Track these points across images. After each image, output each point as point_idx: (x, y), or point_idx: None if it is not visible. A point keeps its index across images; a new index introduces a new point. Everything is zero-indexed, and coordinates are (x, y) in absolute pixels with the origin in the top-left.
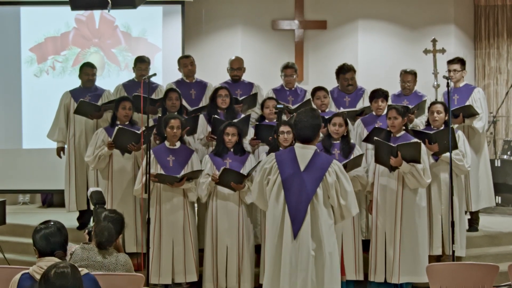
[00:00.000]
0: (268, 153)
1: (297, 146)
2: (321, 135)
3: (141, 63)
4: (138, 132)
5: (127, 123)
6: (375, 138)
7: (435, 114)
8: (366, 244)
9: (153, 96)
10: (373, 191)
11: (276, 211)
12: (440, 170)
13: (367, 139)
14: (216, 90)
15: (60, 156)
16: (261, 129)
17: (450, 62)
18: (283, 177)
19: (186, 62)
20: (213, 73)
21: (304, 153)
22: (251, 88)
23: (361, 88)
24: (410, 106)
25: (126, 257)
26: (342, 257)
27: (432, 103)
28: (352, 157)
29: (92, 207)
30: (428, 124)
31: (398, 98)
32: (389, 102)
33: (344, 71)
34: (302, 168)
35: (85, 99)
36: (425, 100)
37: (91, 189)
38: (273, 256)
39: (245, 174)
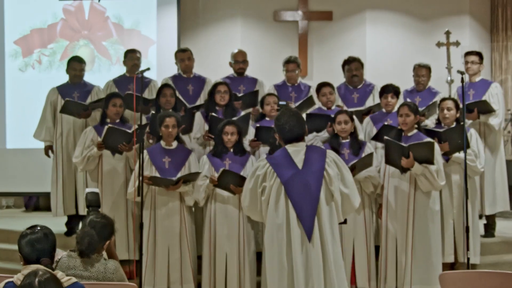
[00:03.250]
0: (269, 153)
1: (288, 146)
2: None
3: (133, 52)
4: (130, 131)
5: (117, 121)
6: (385, 137)
7: (445, 111)
8: (376, 251)
9: (146, 92)
10: (382, 194)
11: (277, 219)
12: (451, 171)
13: (376, 137)
14: (215, 85)
15: (48, 155)
16: (262, 131)
17: (467, 53)
18: (283, 179)
19: (183, 56)
20: (210, 67)
21: (297, 151)
22: (255, 84)
23: (370, 84)
24: (420, 109)
25: (116, 263)
26: (353, 264)
27: (442, 99)
28: (363, 155)
29: (81, 211)
30: (438, 122)
31: (411, 94)
32: (401, 99)
33: (349, 62)
34: (300, 166)
35: (73, 97)
36: (436, 102)
37: (87, 190)
38: (280, 269)
39: (246, 176)
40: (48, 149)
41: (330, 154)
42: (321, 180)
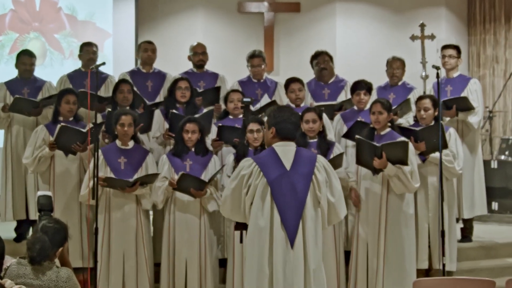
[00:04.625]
0: (236, 157)
1: (277, 145)
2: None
3: (88, 46)
4: (84, 130)
5: (71, 119)
6: (357, 136)
7: (422, 112)
8: (346, 256)
9: (103, 89)
10: (353, 195)
11: (261, 221)
12: (427, 173)
13: (348, 135)
14: (175, 81)
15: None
16: (225, 131)
17: (444, 47)
18: (270, 179)
19: (147, 47)
20: (170, 62)
21: (286, 150)
22: (216, 79)
23: (342, 79)
24: (393, 107)
25: (69, 271)
26: None
27: (419, 98)
28: (331, 156)
29: (32, 216)
30: (416, 120)
31: (384, 90)
32: (374, 96)
33: (317, 56)
34: (288, 167)
35: (23, 93)
36: (408, 99)
37: (39, 193)
38: (259, 273)
39: (207, 181)
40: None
41: (321, 159)
42: (309, 184)
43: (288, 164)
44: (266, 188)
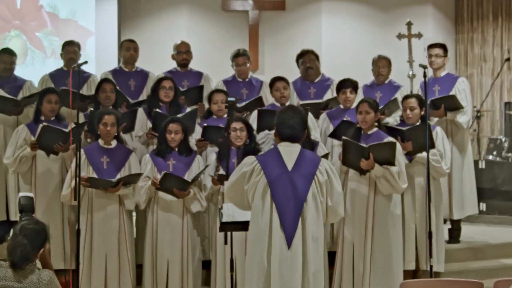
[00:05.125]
0: (218, 157)
1: (281, 145)
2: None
3: (70, 45)
4: (66, 130)
5: (53, 119)
6: (344, 137)
7: (408, 111)
8: (331, 257)
9: (85, 88)
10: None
11: (262, 220)
12: (414, 173)
13: (334, 135)
14: (159, 81)
15: None
16: (210, 130)
17: (431, 46)
18: (270, 178)
19: (130, 45)
20: (153, 61)
21: (290, 151)
22: (200, 79)
23: (328, 78)
24: (380, 106)
25: (51, 274)
26: None
27: (405, 97)
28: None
29: (12, 217)
30: (402, 120)
31: (370, 89)
32: (360, 94)
33: (302, 55)
34: (289, 167)
35: (3, 92)
36: (395, 98)
37: (20, 194)
38: (261, 278)
39: (190, 181)
40: None
41: (324, 163)
42: (309, 185)
43: (290, 164)
44: (266, 188)
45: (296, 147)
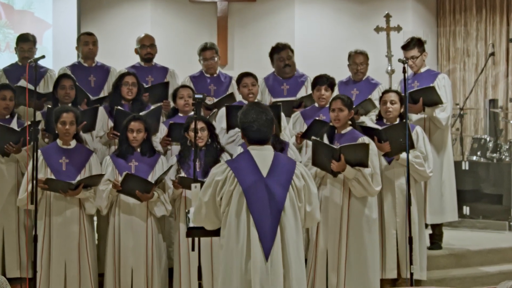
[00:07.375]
0: (179, 160)
1: (253, 148)
2: None
3: (24, 42)
4: (18, 129)
5: (7, 117)
6: (313, 137)
7: (388, 105)
8: None
9: (42, 84)
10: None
11: (238, 230)
12: (394, 175)
13: (306, 135)
14: (121, 76)
15: None
16: (177, 128)
17: (405, 48)
18: (244, 186)
19: (88, 39)
20: (115, 55)
21: (263, 155)
22: (165, 74)
23: (303, 75)
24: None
25: (2, 279)
26: None
27: (385, 92)
28: None
29: None
30: (380, 118)
31: (347, 86)
32: (336, 92)
33: (279, 50)
34: (264, 173)
35: None
36: (369, 98)
37: None
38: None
39: (153, 182)
40: None
41: (299, 167)
42: (287, 192)
43: (264, 170)
44: (242, 196)
45: (269, 151)
